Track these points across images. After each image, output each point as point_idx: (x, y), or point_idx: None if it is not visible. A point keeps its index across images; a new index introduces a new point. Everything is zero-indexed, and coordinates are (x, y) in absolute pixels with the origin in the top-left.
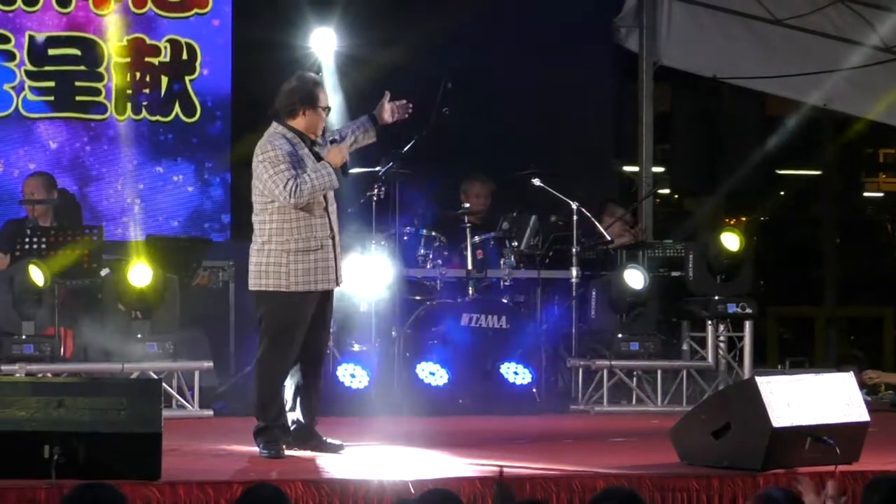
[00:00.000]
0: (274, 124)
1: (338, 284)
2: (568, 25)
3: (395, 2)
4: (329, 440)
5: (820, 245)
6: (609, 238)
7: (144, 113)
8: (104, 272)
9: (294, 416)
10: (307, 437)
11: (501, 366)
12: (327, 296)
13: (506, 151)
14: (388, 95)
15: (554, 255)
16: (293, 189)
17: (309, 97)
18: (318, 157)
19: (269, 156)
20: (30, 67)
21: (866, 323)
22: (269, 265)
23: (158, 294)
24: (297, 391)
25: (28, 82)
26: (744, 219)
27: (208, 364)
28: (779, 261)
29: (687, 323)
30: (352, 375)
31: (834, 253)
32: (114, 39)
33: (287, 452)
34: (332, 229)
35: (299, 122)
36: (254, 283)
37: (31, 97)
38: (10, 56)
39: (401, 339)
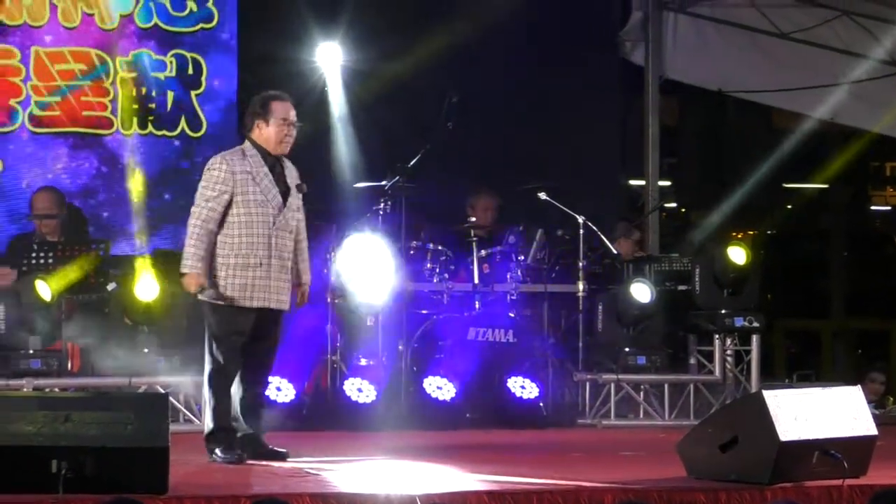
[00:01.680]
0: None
1: (279, 307)
2: (574, 39)
3: (401, 17)
4: (275, 448)
5: (827, 258)
6: (615, 252)
7: (150, 127)
8: (111, 286)
9: (240, 426)
10: (254, 446)
11: (508, 380)
12: (269, 314)
13: (512, 165)
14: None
15: (560, 269)
16: (195, 221)
17: (261, 110)
18: (282, 176)
19: (209, 172)
20: (36, 82)
21: (873, 336)
22: (210, 278)
23: (165, 308)
24: (242, 403)
25: (34, 97)
26: (751, 232)
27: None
28: (786, 274)
29: (694, 336)
30: (359, 390)
31: (841, 266)
32: (120, 54)
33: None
34: (274, 250)
35: (258, 136)
36: (201, 295)
37: (38, 112)
38: (17, 71)
39: (408, 354)
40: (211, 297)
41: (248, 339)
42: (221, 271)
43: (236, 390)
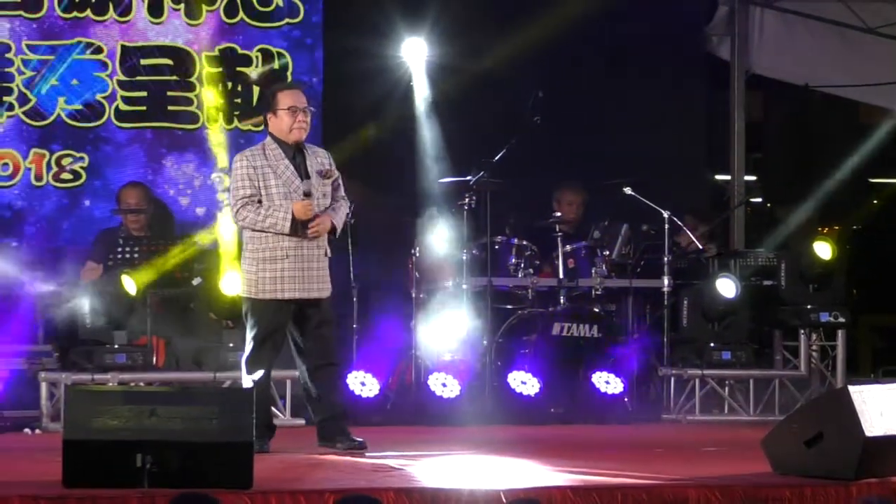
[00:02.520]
0: None
1: (312, 296)
2: (659, 34)
3: (487, 11)
4: (353, 437)
5: None
6: (701, 247)
7: (236, 122)
8: (196, 281)
9: (317, 413)
10: (334, 434)
11: (593, 375)
12: (306, 303)
13: (597, 160)
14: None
15: (645, 264)
16: (238, 212)
17: (269, 103)
18: (303, 165)
19: (234, 172)
20: (122, 77)
21: None
22: (245, 272)
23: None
24: (316, 396)
25: (120, 92)
26: (836, 227)
27: (296, 373)
28: (871, 269)
29: (779, 332)
30: (443, 385)
31: None
32: (206, 49)
33: (308, 455)
34: (301, 240)
35: (272, 128)
36: (238, 289)
37: (124, 107)
38: (103, 66)
39: (492, 349)
40: (246, 291)
41: (294, 329)
42: (254, 266)
43: (308, 382)
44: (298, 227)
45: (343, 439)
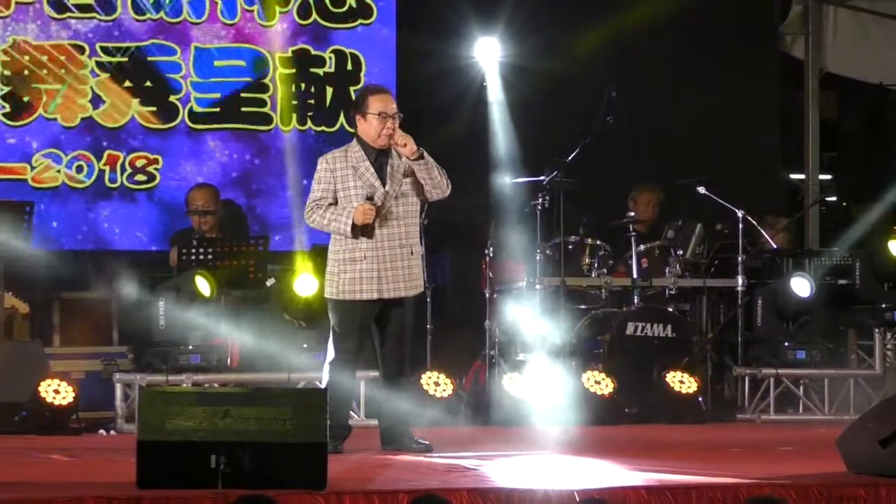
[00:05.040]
0: None
1: (394, 296)
2: (733, 33)
3: (560, 12)
4: (420, 440)
5: None
6: (775, 247)
7: (309, 123)
8: (270, 282)
9: (382, 420)
10: (399, 437)
11: (667, 374)
12: (388, 303)
13: (670, 160)
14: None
15: (719, 264)
16: (309, 214)
17: (357, 104)
18: (385, 169)
19: (315, 173)
20: (196, 79)
21: None
22: (328, 273)
23: (324, 304)
24: (383, 398)
25: (194, 94)
26: None
27: (374, 373)
28: None
29: (854, 331)
30: (517, 385)
31: None
32: (279, 50)
33: (382, 456)
34: (379, 241)
35: (359, 131)
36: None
37: (197, 108)
38: (177, 68)
39: (566, 348)
40: (328, 292)
41: (375, 330)
42: (335, 268)
43: (380, 388)
44: (359, 231)
45: (409, 441)
